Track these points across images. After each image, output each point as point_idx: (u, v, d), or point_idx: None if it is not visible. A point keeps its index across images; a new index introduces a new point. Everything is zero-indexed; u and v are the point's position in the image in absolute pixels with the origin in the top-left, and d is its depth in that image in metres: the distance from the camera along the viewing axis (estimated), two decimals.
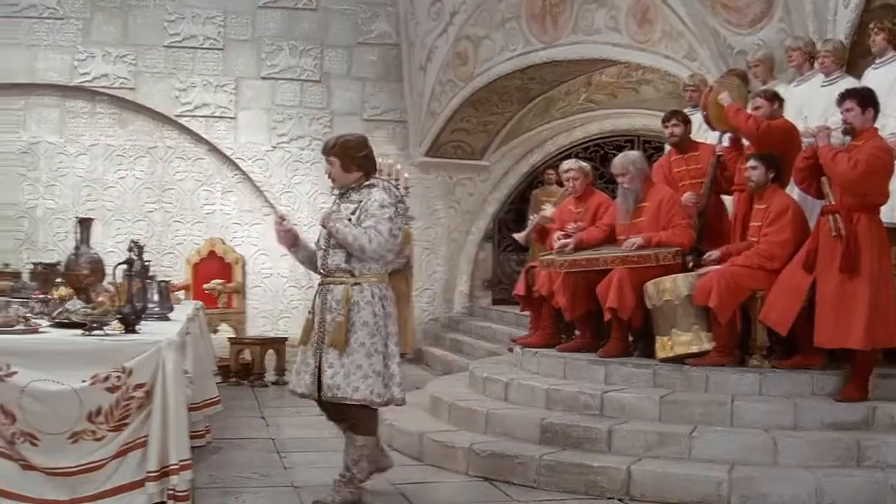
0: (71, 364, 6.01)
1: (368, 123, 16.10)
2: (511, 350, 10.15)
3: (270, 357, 12.40)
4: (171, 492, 6.07)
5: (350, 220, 6.38)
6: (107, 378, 5.95)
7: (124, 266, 6.64)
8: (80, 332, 6.29)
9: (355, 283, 6.39)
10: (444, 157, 16.22)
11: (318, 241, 6.63)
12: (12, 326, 6.37)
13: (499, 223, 16.79)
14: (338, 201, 6.60)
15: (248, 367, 12.20)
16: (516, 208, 16.68)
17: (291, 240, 6.70)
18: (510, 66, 13.84)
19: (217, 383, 9.08)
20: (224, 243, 14.17)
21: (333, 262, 6.46)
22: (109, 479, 6.10)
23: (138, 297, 6.57)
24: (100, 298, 7.10)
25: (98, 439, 6.06)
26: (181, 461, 6.03)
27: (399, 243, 6.62)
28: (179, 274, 14.32)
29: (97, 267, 7.62)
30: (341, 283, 6.42)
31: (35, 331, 6.41)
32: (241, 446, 8.49)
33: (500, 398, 8.63)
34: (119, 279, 6.71)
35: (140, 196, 15.69)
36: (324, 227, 6.49)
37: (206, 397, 8.14)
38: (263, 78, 16.02)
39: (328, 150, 6.57)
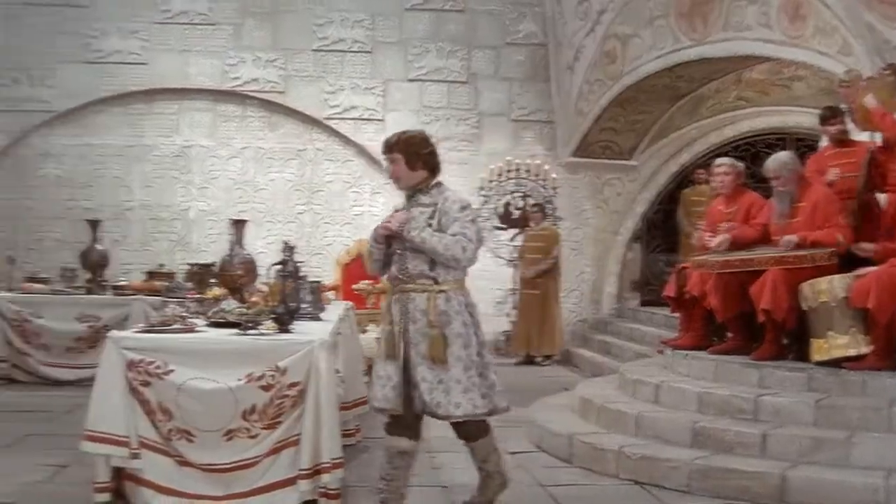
0: (226, 363, 6.12)
1: (516, 124, 16.10)
2: (661, 352, 10.00)
3: None
4: (323, 490, 6.12)
5: (430, 225, 5.87)
6: (261, 377, 6.04)
7: (278, 266, 6.72)
8: (235, 331, 6.39)
9: (440, 292, 5.90)
10: (591, 156, 16.06)
11: (392, 244, 6.04)
12: (169, 326, 6.50)
13: (647, 223, 16.58)
14: (407, 206, 6.04)
15: None
16: (665, 208, 16.44)
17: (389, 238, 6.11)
18: (659, 65, 13.64)
19: (365, 383, 9.11)
20: None
21: (416, 268, 5.91)
22: (263, 476, 6.19)
23: (291, 298, 6.63)
24: (253, 298, 7.19)
25: (252, 437, 6.16)
26: (333, 460, 6.09)
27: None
28: (328, 274, 14.43)
29: (250, 267, 7.73)
30: (423, 291, 5.89)
31: (191, 330, 6.52)
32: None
33: (651, 401, 8.49)
34: (273, 279, 6.79)
35: (290, 198, 15.93)
36: (403, 237, 5.90)
37: (356, 397, 8.16)
38: (411, 80, 16.13)
39: (390, 147, 6.03)
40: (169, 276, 12.23)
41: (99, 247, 12.38)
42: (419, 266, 5.89)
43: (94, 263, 12.23)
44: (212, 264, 8.98)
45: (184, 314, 6.82)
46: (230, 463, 6.19)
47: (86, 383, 10.50)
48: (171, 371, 6.12)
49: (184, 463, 6.26)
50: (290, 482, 6.14)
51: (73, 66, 15.79)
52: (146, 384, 6.16)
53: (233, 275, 7.66)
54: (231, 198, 15.84)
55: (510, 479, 6.47)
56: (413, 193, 6.02)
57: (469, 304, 6.02)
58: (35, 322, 11.56)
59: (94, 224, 12.48)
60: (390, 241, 6.01)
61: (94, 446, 6.16)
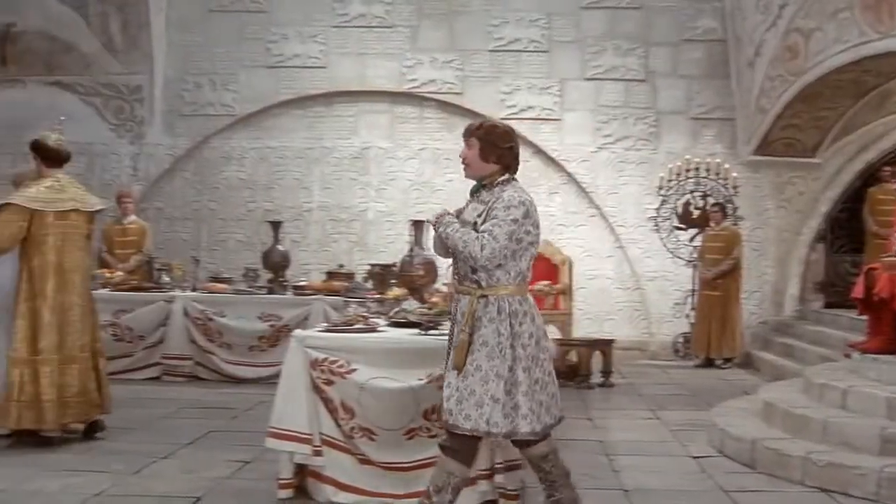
0: (408, 362, 6.17)
1: (695, 122, 15.83)
2: (848, 356, 9.70)
3: (596, 359, 12.34)
4: (502, 490, 6.13)
5: (476, 223, 5.51)
6: (442, 377, 6.04)
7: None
8: (416, 331, 6.42)
9: (481, 296, 5.48)
10: (773, 154, 15.64)
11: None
12: (352, 325, 6.57)
13: (831, 223, 16.08)
14: (469, 200, 5.74)
15: (574, 368, 12.17)
16: (850, 207, 15.92)
17: None
18: (844, 59, 13.21)
19: None
20: (551, 245, 14.21)
21: (462, 269, 5.60)
22: None
23: None
24: (433, 299, 7.21)
25: (433, 436, 6.17)
26: (512, 460, 6.07)
27: (512, 249, 5.47)
28: None
29: (430, 268, 7.74)
30: (467, 293, 5.54)
31: (374, 330, 6.59)
32: (569, 447, 8.39)
33: (838, 406, 8.22)
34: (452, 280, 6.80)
35: (466, 199, 15.92)
36: (434, 229, 5.68)
37: None
38: (587, 79, 15.99)
39: (471, 131, 5.68)
40: (348, 276, 12.37)
41: (280, 247, 12.61)
42: (464, 267, 5.57)
43: (276, 264, 12.47)
44: (392, 265, 9.03)
45: (365, 314, 6.89)
46: (411, 462, 6.25)
47: (266, 381, 10.85)
48: (354, 370, 6.20)
49: (365, 461, 6.34)
50: (471, 482, 6.13)
51: (255, 70, 16.16)
52: (329, 383, 6.25)
53: (413, 275, 7.68)
54: (408, 199, 15.96)
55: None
56: (478, 188, 5.70)
57: (515, 312, 5.47)
58: (218, 321, 11.84)
59: (275, 225, 12.73)
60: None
61: (278, 443, 6.29)
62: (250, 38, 16.18)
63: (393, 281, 8.19)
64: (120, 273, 12.58)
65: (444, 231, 5.56)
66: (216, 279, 12.60)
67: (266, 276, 12.58)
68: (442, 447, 5.55)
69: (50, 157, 8.32)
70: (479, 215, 5.52)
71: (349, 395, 6.23)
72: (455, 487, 5.57)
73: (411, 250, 7.84)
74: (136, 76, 16.41)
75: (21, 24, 16.43)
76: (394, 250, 14.76)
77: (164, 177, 16.37)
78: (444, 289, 7.39)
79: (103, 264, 12.90)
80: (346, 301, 9.19)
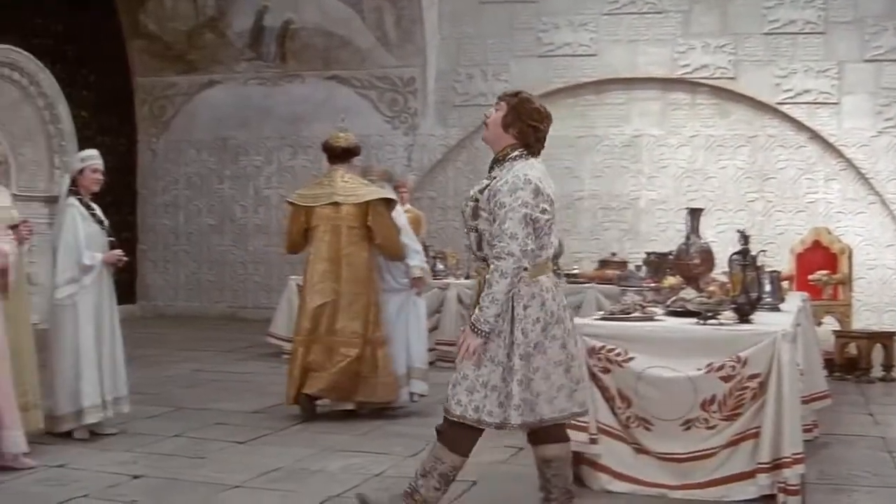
0: (686, 352, 6.12)
1: None
2: None
3: (877, 352, 11.90)
4: (782, 485, 6.00)
5: (477, 201, 5.13)
6: (721, 367, 5.99)
7: (737, 256, 6.63)
8: (694, 320, 6.36)
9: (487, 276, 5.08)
10: None
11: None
12: (629, 314, 6.56)
13: None
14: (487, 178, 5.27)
15: (853, 361, 11.76)
16: None
17: None
18: None
19: (826, 378, 8.83)
20: (829, 233, 13.79)
21: (471, 248, 5.26)
22: (720, 468, 6.17)
23: (752, 288, 6.53)
24: (710, 288, 7.12)
25: (710, 428, 6.13)
26: (794, 455, 5.93)
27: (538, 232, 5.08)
28: (780, 264, 14.08)
29: (707, 257, 7.66)
30: (478, 275, 5.22)
31: (651, 318, 6.56)
32: (849, 443, 8.18)
33: None
34: (732, 269, 6.71)
35: (740, 186, 15.65)
36: (483, 327, 5.00)
37: (814, 391, 7.93)
38: (867, 60, 15.36)
39: (505, 96, 5.30)
40: (621, 264, 12.33)
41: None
42: (472, 246, 5.22)
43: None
44: (668, 253, 8.97)
45: (643, 303, 6.86)
46: (687, 453, 6.21)
47: None
48: (632, 358, 6.18)
49: (641, 450, 6.33)
50: (748, 475, 6.07)
51: (525, 59, 16.30)
52: (606, 371, 6.26)
53: (689, 264, 7.61)
54: (680, 186, 15.78)
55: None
56: (493, 164, 5.27)
57: (520, 294, 5.05)
58: None
59: None
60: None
61: None
62: (521, 28, 16.32)
63: (669, 269, 8.13)
64: None
65: (492, 308, 4.99)
66: None
67: None
68: (437, 430, 5.29)
69: (329, 155, 9.05)
70: (482, 191, 5.15)
71: (626, 383, 6.23)
72: (443, 475, 5.22)
73: (687, 238, 7.77)
74: (409, 69, 16.84)
75: (299, 21, 17.12)
76: (665, 239, 14.67)
77: (437, 167, 16.73)
78: (722, 278, 7.30)
79: None
80: (622, 290, 9.19)
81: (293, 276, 12.42)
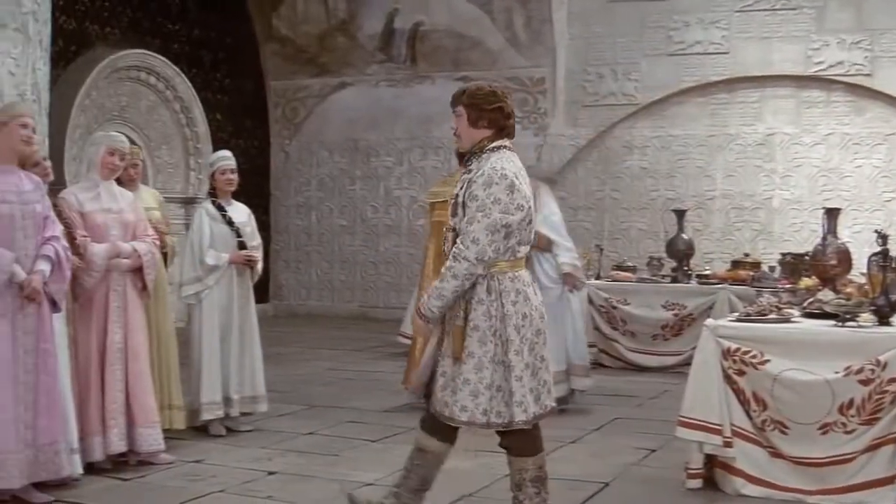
0: (824, 355, 6.04)
1: None
2: None
3: None
4: None
5: (458, 197, 5.08)
6: (860, 370, 5.90)
7: (877, 257, 6.50)
8: (831, 322, 6.26)
9: (481, 276, 5.03)
10: None
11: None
12: (765, 315, 6.48)
13: None
14: (461, 171, 5.26)
15: None
16: None
17: None
18: None
19: None
20: None
21: (448, 249, 5.15)
22: (858, 472, 6.08)
23: (892, 289, 6.39)
24: (848, 289, 7.00)
25: (848, 432, 6.05)
26: None
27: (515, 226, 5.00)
28: None
29: (844, 257, 7.53)
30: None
31: (787, 320, 6.48)
32: None
33: None
34: (871, 270, 6.58)
35: (877, 185, 15.28)
36: (432, 312, 5.09)
37: None
38: None
39: (455, 100, 5.19)
40: (754, 265, 12.16)
41: (684, 236, 12.54)
42: (448, 247, 5.13)
43: (680, 252, 12.41)
44: (805, 254, 8.83)
45: (779, 304, 6.77)
46: (824, 457, 6.12)
47: (669, 370, 10.92)
48: (767, 361, 6.12)
49: (776, 454, 6.27)
50: (888, 481, 5.99)
51: (656, 58, 16.13)
52: (741, 373, 6.21)
53: (825, 264, 7.49)
54: (815, 186, 15.47)
55: None
56: (469, 158, 5.17)
57: (505, 290, 5.02)
58: (622, 309, 11.96)
59: (679, 214, 12.67)
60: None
61: (689, 433, 6.30)
62: (652, 27, 16.17)
63: (805, 270, 8.00)
64: None
65: (437, 301, 5.04)
66: (620, 268, 12.73)
67: (670, 264, 12.57)
68: (421, 420, 5.32)
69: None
70: (462, 187, 5.08)
71: (761, 386, 6.16)
72: (536, 479, 5.20)
73: (824, 239, 7.65)
74: (538, 69, 16.82)
75: (429, 23, 17.24)
76: (799, 239, 14.46)
77: (567, 167, 16.67)
78: (860, 279, 7.17)
79: None
80: (756, 291, 9.06)
81: None
